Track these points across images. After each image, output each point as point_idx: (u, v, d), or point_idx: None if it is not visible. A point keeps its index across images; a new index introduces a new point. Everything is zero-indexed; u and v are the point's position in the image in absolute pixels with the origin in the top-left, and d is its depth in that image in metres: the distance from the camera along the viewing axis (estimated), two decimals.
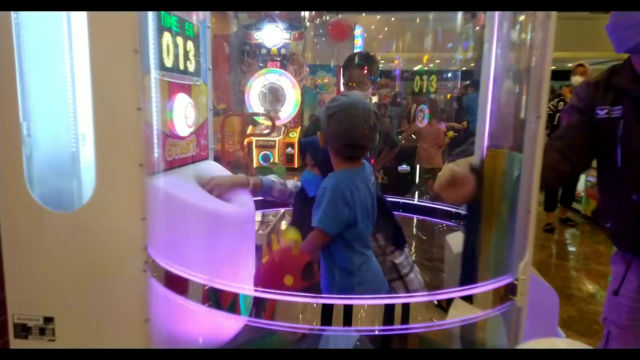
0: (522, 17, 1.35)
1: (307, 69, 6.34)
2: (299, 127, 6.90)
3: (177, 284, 1.22)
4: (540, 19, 1.17)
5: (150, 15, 1.28)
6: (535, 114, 1.15)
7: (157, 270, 1.26)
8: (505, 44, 1.45)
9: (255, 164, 5.94)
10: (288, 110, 6.28)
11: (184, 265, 1.22)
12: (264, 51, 6.05)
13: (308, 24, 7.09)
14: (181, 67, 1.50)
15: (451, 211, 1.90)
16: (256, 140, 6.24)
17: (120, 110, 1.30)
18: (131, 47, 1.26)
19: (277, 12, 6.22)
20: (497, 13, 1.41)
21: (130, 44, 1.26)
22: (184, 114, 1.49)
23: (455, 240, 1.96)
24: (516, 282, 1.18)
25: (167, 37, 1.40)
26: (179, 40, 1.47)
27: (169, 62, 1.42)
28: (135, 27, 1.26)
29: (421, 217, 2.24)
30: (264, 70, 5.57)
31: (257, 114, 5.72)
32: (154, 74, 1.32)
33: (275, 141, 6.50)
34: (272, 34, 5.95)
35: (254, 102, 5.73)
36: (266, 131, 5.68)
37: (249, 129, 5.87)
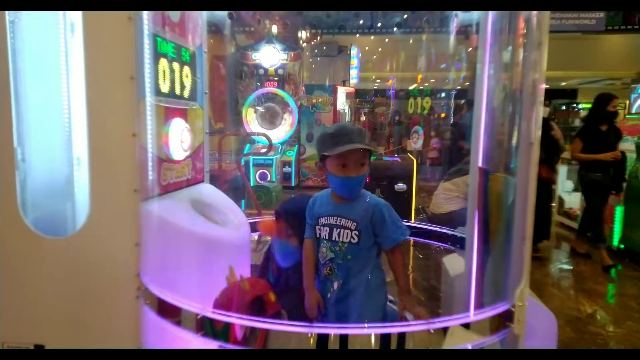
0: (514, 34, 1.37)
1: (303, 88, 6.41)
2: (296, 146, 6.94)
3: (170, 311, 1.20)
4: (533, 44, 1.18)
5: (147, 42, 1.29)
6: (527, 140, 1.16)
7: (150, 297, 1.25)
8: (498, 67, 1.46)
9: (253, 183, 5.95)
10: (285, 130, 6.31)
11: (178, 290, 1.21)
12: (261, 72, 6.13)
13: (304, 45, 7.20)
14: (177, 92, 1.51)
15: (447, 233, 1.89)
16: (254, 159, 6.27)
17: (116, 136, 1.30)
18: (127, 74, 1.27)
19: (274, 33, 6.32)
20: (489, 35, 1.44)
21: (127, 71, 1.27)
22: (180, 138, 1.50)
23: (452, 263, 1.95)
24: (513, 309, 1.17)
25: (163, 63, 1.41)
26: (175, 66, 1.48)
27: (165, 88, 1.43)
28: (132, 55, 1.27)
29: (418, 239, 2.23)
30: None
31: (255, 134, 5.75)
32: (149, 99, 1.33)
33: (272, 160, 6.53)
34: (270, 54, 6.04)
35: (252, 121, 5.77)
36: (263, 150, 5.70)
37: (247, 148, 5.89)
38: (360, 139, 1.38)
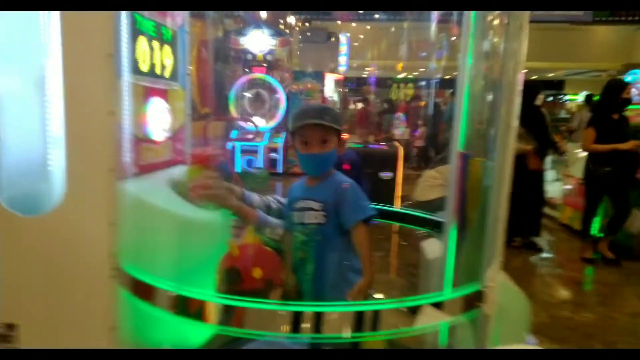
0: (495, 22, 1.38)
1: (289, 75, 6.37)
2: (284, 132, 6.92)
3: (144, 291, 1.21)
4: (514, 30, 1.19)
5: (125, 19, 1.27)
6: (505, 124, 1.18)
7: (124, 276, 1.25)
8: (480, 55, 1.47)
9: (239, 169, 5.93)
10: (274, 116, 6.27)
11: (153, 272, 1.21)
12: (249, 57, 6.06)
13: (291, 31, 7.13)
14: (157, 71, 1.49)
15: (426, 218, 1.92)
16: (240, 146, 6.24)
17: (92, 114, 1.29)
18: (105, 51, 1.25)
19: (262, 18, 6.24)
20: (470, 23, 1.45)
21: (105, 48, 1.24)
22: (159, 119, 1.49)
23: (430, 247, 1.98)
24: (484, 290, 1.20)
25: (142, 41, 1.40)
26: (155, 44, 1.46)
27: (144, 67, 1.41)
28: (110, 31, 1.25)
29: (399, 224, 2.26)
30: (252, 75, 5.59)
31: (242, 119, 5.71)
32: (127, 78, 1.31)
33: (259, 146, 6.50)
34: (258, 40, 5.97)
35: (239, 107, 5.73)
36: (250, 136, 5.68)
37: (233, 134, 5.86)
38: (320, 116, 1.38)
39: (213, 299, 1.18)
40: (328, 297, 1.40)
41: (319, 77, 6.98)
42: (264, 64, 6.01)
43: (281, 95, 5.94)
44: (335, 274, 1.41)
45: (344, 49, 8.02)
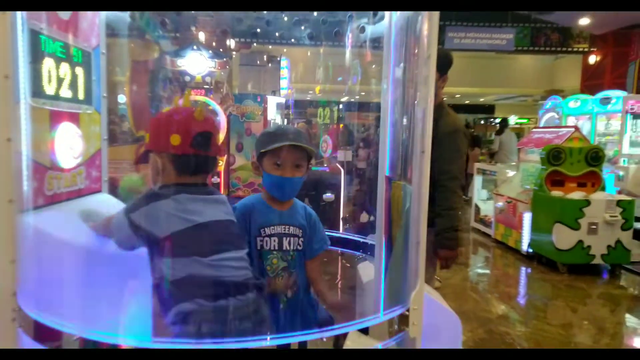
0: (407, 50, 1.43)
1: (232, 97, 6.30)
2: (225, 156, 6.78)
3: (47, 335, 1.09)
4: (422, 58, 1.23)
5: (22, 39, 1.18)
6: (420, 148, 1.20)
7: (25, 319, 1.12)
8: (398, 82, 1.52)
9: None
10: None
11: (58, 312, 1.10)
12: (187, 79, 5.94)
13: (234, 53, 7.11)
14: (67, 94, 1.40)
15: (359, 241, 1.92)
16: None
17: None
18: (1, 73, 1.15)
19: (201, 40, 6.16)
20: (392, 51, 1.49)
21: (0, 70, 1.15)
22: (69, 145, 1.38)
23: (365, 270, 1.97)
24: (407, 313, 1.19)
25: (48, 62, 1.31)
26: (64, 66, 1.37)
27: (50, 90, 1.32)
28: (7, 52, 1.16)
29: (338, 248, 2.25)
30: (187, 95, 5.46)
31: None
32: (29, 101, 1.22)
33: None
34: (196, 61, 5.87)
35: None
36: None
37: None
38: (298, 139, 1.40)
39: (127, 342, 1.08)
40: (305, 322, 1.44)
41: (261, 99, 6.96)
42: (204, 86, 5.91)
43: (222, 118, 5.85)
44: (311, 297, 1.49)
45: (285, 72, 8.10)
